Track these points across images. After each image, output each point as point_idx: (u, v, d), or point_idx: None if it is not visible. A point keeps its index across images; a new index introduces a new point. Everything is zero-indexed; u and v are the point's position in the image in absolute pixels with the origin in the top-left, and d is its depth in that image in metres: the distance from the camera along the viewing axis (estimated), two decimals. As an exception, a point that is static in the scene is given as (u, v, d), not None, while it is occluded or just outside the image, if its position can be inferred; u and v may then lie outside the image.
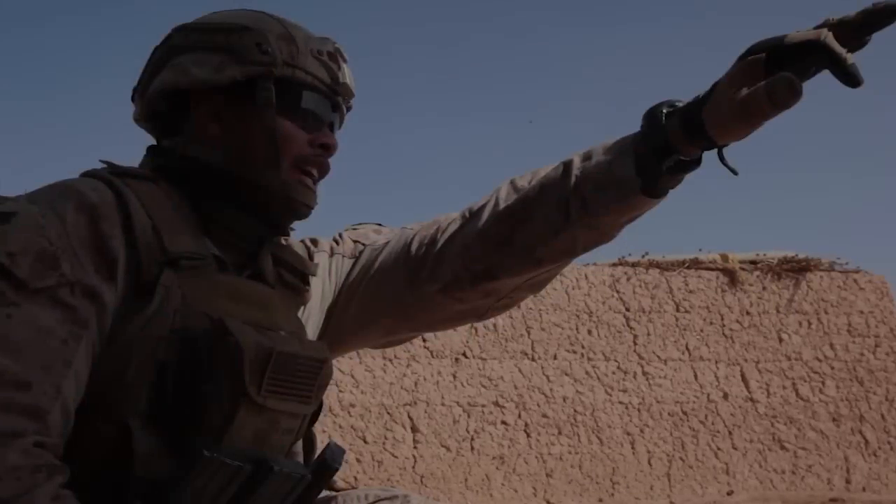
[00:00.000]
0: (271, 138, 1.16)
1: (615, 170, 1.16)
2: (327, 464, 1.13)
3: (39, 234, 0.97)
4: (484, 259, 1.26)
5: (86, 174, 1.11)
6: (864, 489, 5.99)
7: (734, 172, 1.14)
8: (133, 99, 1.26)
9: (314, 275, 1.30)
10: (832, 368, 6.20)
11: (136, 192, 1.07)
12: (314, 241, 1.39)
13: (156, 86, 1.19)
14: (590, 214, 1.18)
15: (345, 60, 1.24)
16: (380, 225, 1.45)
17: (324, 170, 1.22)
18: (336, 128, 1.24)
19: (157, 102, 1.21)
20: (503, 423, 5.47)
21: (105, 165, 1.13)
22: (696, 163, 1.17)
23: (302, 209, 1.19)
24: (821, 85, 1.13)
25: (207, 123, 1.17)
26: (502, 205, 1.26)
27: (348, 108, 1.28)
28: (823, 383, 6.15)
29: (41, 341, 0.94)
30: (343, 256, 1.38)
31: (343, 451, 1.17)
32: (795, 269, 6.25)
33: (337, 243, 1.40)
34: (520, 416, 5.52)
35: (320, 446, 1.20)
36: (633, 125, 1.19)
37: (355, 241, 1.40)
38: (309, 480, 1.10)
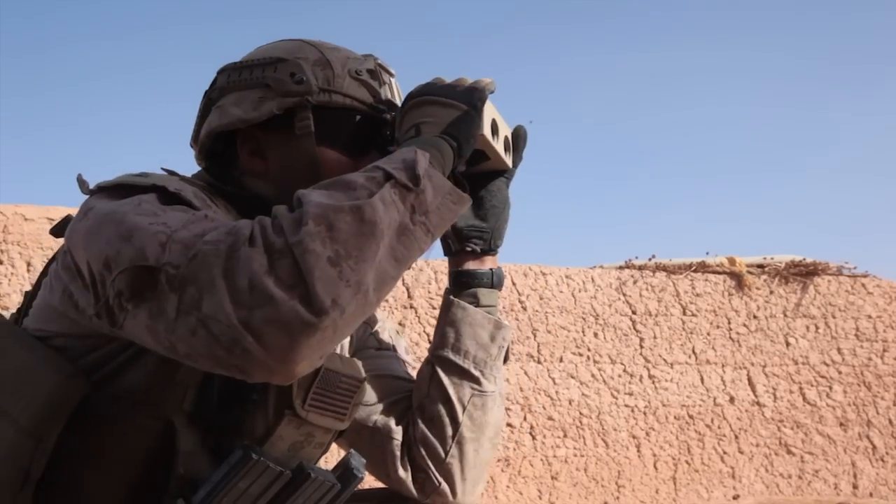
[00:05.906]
0: (313, 167, 1.17)
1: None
2: (353, 473, 1.15)
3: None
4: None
5: (170, 174, 1.16)
6: (871, 494, 5.98)
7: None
8: (192, 143, 1.31)
9: None
10: (839, 373, 6.18)
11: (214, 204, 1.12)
12: None
13: (205, 130, 1.22)
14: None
15: (391, 75, 1.24)
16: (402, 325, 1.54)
17: None
18: (390, 144, 1.22)
19: (211, 145, 1.24)
20: (508, 425, 5.45)
21: (166, 173, 1.16)
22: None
23: None
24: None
25: (252, 160, 1.20)
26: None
27: None
28: (831, 388, 6.13)
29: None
30: (368, 328, 1.44)
31: (364, 461, 1.20)
32: (803, 272, 6.23)
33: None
34: (525, 418, 5.50)
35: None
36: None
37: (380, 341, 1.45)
38: (339, 489, 1.12)
